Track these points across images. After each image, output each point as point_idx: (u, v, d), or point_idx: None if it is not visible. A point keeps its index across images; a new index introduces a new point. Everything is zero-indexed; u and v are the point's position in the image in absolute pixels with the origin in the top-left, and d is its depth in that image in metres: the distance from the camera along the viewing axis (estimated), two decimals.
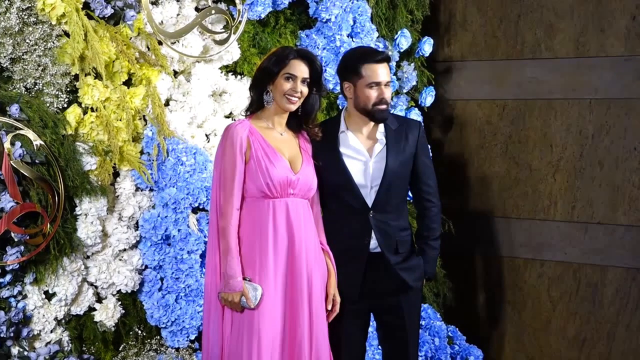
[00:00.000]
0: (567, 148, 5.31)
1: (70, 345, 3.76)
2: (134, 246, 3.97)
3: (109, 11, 3.79)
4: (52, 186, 3.55)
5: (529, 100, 5.44)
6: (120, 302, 3.92)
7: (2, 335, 3.46)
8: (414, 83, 5.28)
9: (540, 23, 5.38)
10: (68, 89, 3.71)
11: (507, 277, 5.57)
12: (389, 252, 3.52)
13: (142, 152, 3.93)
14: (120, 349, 3.94)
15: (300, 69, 3.35)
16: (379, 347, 3.84)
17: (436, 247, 3.67)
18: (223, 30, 4.22)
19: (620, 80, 5.13)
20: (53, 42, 3.62)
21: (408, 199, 3.72)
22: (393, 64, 5.10)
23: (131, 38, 3.92)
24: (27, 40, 3.56)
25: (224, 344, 3.34)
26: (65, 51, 3.64)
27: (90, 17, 3.74)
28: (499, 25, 5.54)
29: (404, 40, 5.08)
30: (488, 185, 5.61)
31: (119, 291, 3.92)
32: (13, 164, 3.43)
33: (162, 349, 4.00)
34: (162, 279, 4.00)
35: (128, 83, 3.93)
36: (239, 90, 4.28)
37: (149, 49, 3.98)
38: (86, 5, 3.74)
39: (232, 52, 4.27)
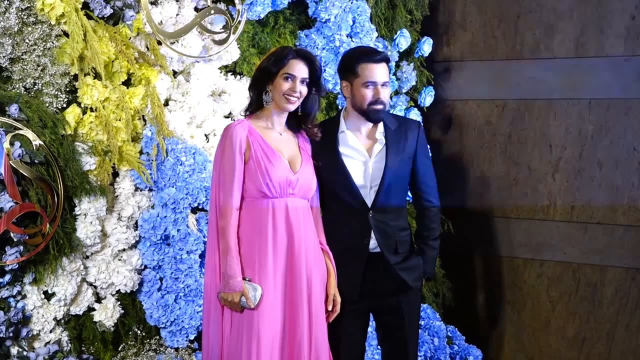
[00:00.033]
0: (567, 148, 5.31)
1: (69, 345, 3.76)
2: (133, 246, 3.97)
3: (108, 11, 3.79)
4: (52, 186, 3.55)
5: (528, 101, 5.44)
6: (119, 302, 3.92)
7: (1, 335, 3.46)
8: (413, 83, 5.28)
9: (539, 23, 5.37)
10: (67, 89, 3.71)
11: (507, 277, 5.57)
12: (389, 252, 3.53)
13: (141, 152, 3.93)
14: (119, 349, 3.94)
15: (300, 69, 3.35)
16: (379, 347, 3.84)
17: (435, 247, 3.68)
18: (222, 30, 4.22)
19: (620, 81, 5.12)
20: (52, 42, 3.62)
21: (407, 199, 3.72)
22: (392, 64, 5.10)
23: (130, 38, 3.92)
24: (27, 40, 3.56)
25: (224, 344, 3.34)
26: (65, 51, 3.64)
27: (89, 17, 3.74)
28: (498, 25, 5.54)
29: (403, 40, 5.08)
30: (487, 185, 5.61)
31: (118, 291, 3.92)
32: (12, 164, 3.43)
33: (162, 349, 4.00)
34: (161, 279, 4.00)
35: (127, 83, 3.93)
36: (239, 90, 4.28)
37: (148, 49, 3.98)
38: (85, 5, 3.74)
39: (232, 52, 4.27)
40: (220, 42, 4.22)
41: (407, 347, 3.63)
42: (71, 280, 3.70)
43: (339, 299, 3.48)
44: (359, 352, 3.67)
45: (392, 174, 3.51)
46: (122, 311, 3.93)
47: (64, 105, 3.70)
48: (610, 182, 5.18)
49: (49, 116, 3.60)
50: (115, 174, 3.91)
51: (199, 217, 4.08)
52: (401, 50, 5.12)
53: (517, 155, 5.49)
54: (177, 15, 4.07)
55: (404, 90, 5.27)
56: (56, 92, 3.65)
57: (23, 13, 3.55)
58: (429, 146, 3.80)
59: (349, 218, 3.53)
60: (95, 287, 3.87)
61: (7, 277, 3.51)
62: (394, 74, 5.20)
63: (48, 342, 3.68)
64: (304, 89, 3.38)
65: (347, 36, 4.69)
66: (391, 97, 5.18)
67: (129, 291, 3.93)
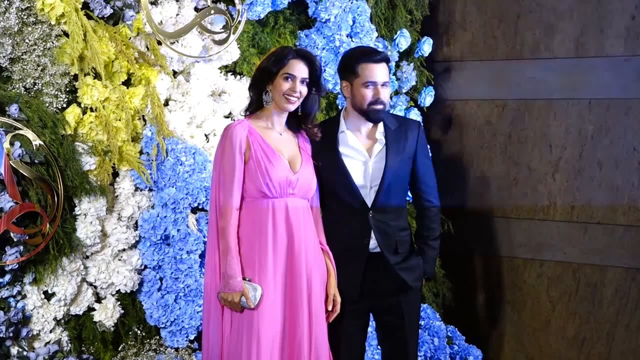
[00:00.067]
0: (567, 148, 5.31)
1: (69, 345, 3.76)
2: (133, 246, 3.97)
3: (108, 11, 3.79)
4: (52, 186, 3.55)
5: (528, 101, 5.44)
6: (119, 302, 3.92)
7: (1, 335, 3.46)
8: (413, 83, 5.28)
9: (539, 23, 5.37)
10: (67, 89, 3.71)
11: (507, 277, 5.57)
12: (389, 252, 3.53)
13: (141, 152, 3.93)
14: (119, 349, 3.94)
15: (300, 69, 3.35)
16: (379, 347, 3.84)
17: (435, 247, 3.68)
18: (222, 30, 4.22)
19: (620, 81, 5.12)
20: (52, 42, 3.62)
21: (407, 199, 3.72)
22: (392, 64, 5.10)
23: (130, 38, 3.92)
24: (27, 40, 3.56)
25: (224, 343, 3.34)
26: (65, 51, 3.64)
27: (89, 17, 3.74)
28: (498, 25, 5.54)
29: (403, 40, 5.08)
30: (487, 185, 5.61)
31: (118, 291, 3.92)
32: (12, 164, 3.43)
33: (162, 349, 4.00)
34: (161, 279, 4.00)
35: (127, 83, 3.93)
36: (238, 90, 4.28)
37: (148, 49, 3.98)
38: (85, 5, 3.74)
39: (232, 52, 4.27)
40: (220, 42, 4.22)
41: (407, 347, 3.63)
42: (71, 280, 3.70)
43: (339, 299, 3.48)
44: (359, 352, 3.67)
45: (392, 174, 3.51)
46: (122, 311, 3.93)
47: (64, 105, 3.70)
48: (610, 182, 5.18)
49: (49, 116, 3.60)
50: (115, 174, 3.91)
51: (199, 217, 4.08)
52: (401, 50, 5.12)
53: (517, 155, 5.49)
54: (177, 15, 4.07)
55: (404, 90, 5.27)
56: (56, 92, 3.65)
57: (23, 13, 3.55)
58: (429, 146, 3.80)
59: (349, 218, 3.53)
60: (95, 287, 3.87)
61: (7, 277, 3.51)
62: (394, 74, 5.20)
63: (48, 342, 3.68)
64: (304, 89, 3.38)
65: (347, 36, 4.69)
66: (391, 97, 5.18)
67: (129, 291, 3.93)
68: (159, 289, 3.99)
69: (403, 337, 3.62)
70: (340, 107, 4.72)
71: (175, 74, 4.12)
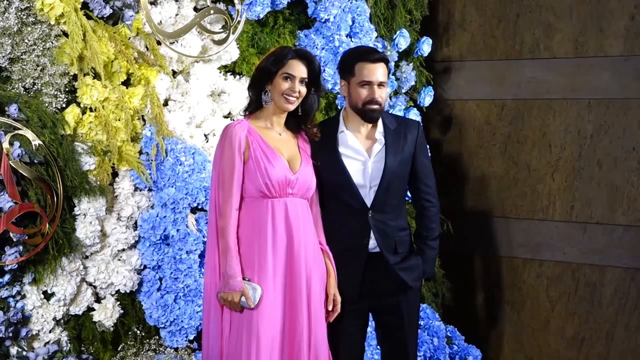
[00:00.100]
0: (566, 148, 5.31)
1: (69, 345, 3.76)
2: (133, 246, 3.97)
3: (107, 11, 3.79)
4: (51, 186, 3.55)
5: (527, 100, 5.44)
6: (119, 302, 3.92)
7: (0, 335, 3.46)
8: (413, 83, 5.28)
9: (539, 23, 5.38)
10: (67, 89, 3.71)
11: (506, 277, 5.57)
12: (388, 252, 3.53)
13: (140, 152, 3.93)
14: (119, 349, 3.94)
15: (299, 69, 3.35)
16: (378, 347, 3.84)
17: (435, 247, 3.68)
18: (222, 30, 4.22)
19: (619, 80, 5.13)
20: (52, 42, 3.62)
21: (407, 199, 3.72)
22: (392, 64, 5.10)
23: (130, 38, 3.92)
24: (26, 40, 3.56)
25: (223, 343, 3.34)
26: (64, 51, 3.64)
27: (89, 17, 3.74)
28: (497, 25, 5.54)
29: (403, 40, 5.08)
30: (487, 185, 5.61)
31: (117, 291, 3.92)
32: (12, 164, 3.43)
33: (161, 349, 4.00)
34: (160, 279, 4.00)
35: (127, 83, 3.93)
36: (238, 90, 4.28)
37: (147, 49, 3.98)
38: (85, 5, 3.74)
39: (231, 52, 4.27)
40: (220, 42, 4.22)
41: (406, 347, 3.63)
42: (71, 280, 3.70)
43: (339, 299, 3.48)
44: (358, 352, 3.67)
45: (391, 174, 3.51)
46: (122, 311, 3.94)
47: (64, 105, 3.70)
48: (609, 181, 5.18)
49: (49, 116, 3.60)
50: (115, 174, 3.91)
51: (198, 217, 4.08)
52: (400, 50, 5.12)
53: (517, 155, 5.50)
54: (177, 15, 4.07)
55: (403, 90, 5.27)
56: (55, 92, 3.65)
57: (22, 13, 3.55)
58: (428, 146, 3.80)
59: (348, 218, 3.53)
60: (95, 287, 3.87)
61: (7, 277, 3.51)
62: (394, 74, 5.20)
63: (47, 342, 3.68)
64: (303, 89, 3.38)
65: (346, 36, 4.69)
66: (390, 97, 5.19)
67: (128, 291, 3.93)
68: (159, 289, 3.99)
69: (402, 337, 3.62)
70: (339, 107, 4.72)
71: (174, 74, 4.12)
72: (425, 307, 5.08)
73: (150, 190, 3.98)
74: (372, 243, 3.51)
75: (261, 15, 4.33)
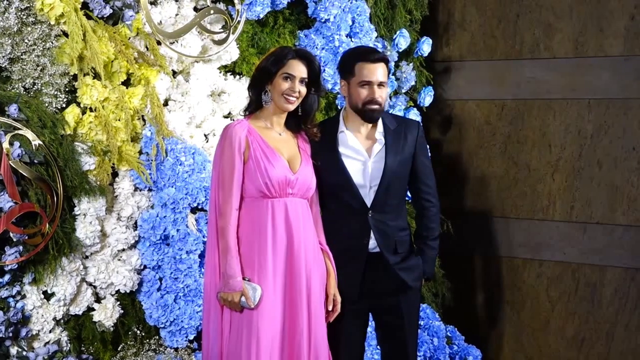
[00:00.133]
0: (566, 148, 5.31)
1: (69, 345, 3.76)
2: (133, 246, 3.97)
3: (107, 11, 3.79)
4: (51, 186, 3.55)
5: (527, 100, 5.44)
6: (119, 302, 3.92)
7: (0, 335, 3.46)
8: (413, 83, 5.28)
9: (539, 23, 5.38)
10: (67, 89, 3.71)
11: (506, 277, 5.57)
12: (388, 252, 3.53)
13: (140, 152, 3.93)
14: (119, 349, 3.94)
15: (299, 69, 3.35)
16: (378, 346, 3.84)
17: (435, 247, 3.68)
18: (222, 30, 4.22)
19: (619, 80, 5.13)
20: (52, 42, 3.62)
21: (407, 199, 3.72)
22: (392, 64, 5.10)
23: (130, 38, 3.92)
24: (26, 40, 3.56)
25: (223, 343, 3.34)
26: (64, 51, 3.64)
27: (89, 17, 3.73)
28: (497, 25, 5.54)
29: (403, 40, 5.08)
30: (487, 185, 5.61)
31: (117, 291, 3.92)
32: (12, 164, 3.43)
33: (161, 349, 4.00)
34: (160, 279, 4.00)
35: (127, 83, 3.93)
36: (238, 90, 4.28)
37: (147, 49, 3.98)
38: (85, 5, 3.74)
39: (231, 52, 4.27)
40: (220, 42, 4.22)
41: (406, 347, 3.63)
42: (71, 280, 3.69)
43: (339, 299, 3.48)
44: (358, 351, 3.67)
45: (391, 174, 3.51)
46: (122, 311, 3.93)
47: (64, 105, 3.70)
48: (609, 181, 5.18)
49: (49, 116, 3.60)
50: (115, 174, 3.91)
51: (198, 217, 4.08)
52: (400, 50, 5.12)
53: (517, 155, 5.50)
54: (177, 15, 4.07)
55: (403, 90, 5.27)
56: (55, 92, 3.65)
57: (22, 13, 3.55)
58: (428, 146, 3.80)
59: (348, 218, 3.53)
60: (95, 287, 3.87)
61: (7, 277, 3.51)
62: (394, 74, 5.20)
63: (47, 342, 3.68)
64: (303, 89, 3.38)
65: (346, 36, 4.69)
66: (391, 97, 5.19)
67: (128, 291, 3.93)
68: (159, 289, 3.99)
69: (402, 337, 3.62)
70: (339, 107, 4.73)
71: (174, 74, 4.12)
72: (425, 307, 5.08)
73: (150, 190, 3.98)
74: (372, 243, 3.51)
75: (261, 15, 4.33)
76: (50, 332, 3.69)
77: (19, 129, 3.47)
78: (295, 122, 3.49)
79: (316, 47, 4.61)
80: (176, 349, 4.05)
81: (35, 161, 3.52)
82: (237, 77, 4.35)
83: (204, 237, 4.01)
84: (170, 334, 4.01)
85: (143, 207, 3.96)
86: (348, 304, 3.51)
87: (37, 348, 3.64)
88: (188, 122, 4.11)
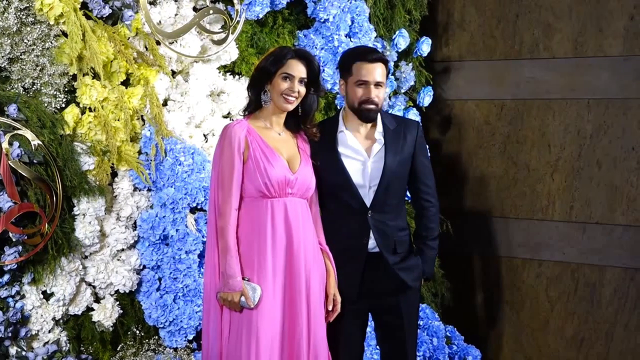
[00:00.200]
0: (566, 148, 5.32)
1: (68, 345, 3.76)
2: (132, 246, 3.97)
3: (107, 11, 3.79)
4: (50, 186, 3.55)
5: (527, 100, 5.44)
6: (118, 302, 3.91)
7: (0, 335, 3.46)
8: (412, 83, 5.28)
9: (538, 23, 5.38)
10: (66, 89, 3.71)
11: (505, 277, 5.57)
12: (388, 252, 3.53)
13: (140, 152, 3.93)
14: (118, 349, 3.94)
15: (298, 69, 3.35)
16: (378, 346, 3.84)
17: (434, 247, 3.68)
18: (221, 30, 4.22)
19: (619, 80, 5.13)
20: (51, 42, 3.62)
21: (406, 199, 3.73)
22: (391, 64, 5.10)
23: (129, 38, 3.92)
24: (25, 40, 3.56)
25: (223, 343, 3.34)
26: (63, 51, 3.64)
27: (88, 17, 3.73)
28: (497, 25, 5.54)
29: (402, 40, 5.08)
30: (486, 185, 5.61)
31: (117, 291, 3.92)
32: (11, 164, 3.43)
33: (160, 349, 4.00)
34: (160, 279, 4.00)
35: (126, 83, 3.93)
36: (237, 90, 4.28)
37: (147, 49, 3.98)
38: (84, 5, 3.74)
39: (230, 52, 4.27)
40: (219, 42, 4.22)
41: (406, 347, 3.63)
42: (70, 280, 3.69)
43: (339, 299, 3.48)
44: (357, 351, 3.67)
45: (391, 174, 3.51)
46: (121, 311, 3.93)
47: (63, 105, 3.69)
48: (609, 181, 5.18)
49: (48, 116, 3.60)
50: (114, 174, 3.91)
51: (197, 217, 4.08)
52: (400, 50, 5.13)
53: (516, 155, 5.50)
54: (176, 15, 4.07)
55: (402, 90, 5.27)
56: (55, 92, 3.65)
57: (22, 13, 3.55)
58: (427, 146, 3.80)
59: (347, 218, 3.53)
60: (94, 287, 3.86)
61: (6, 277, 3.50)
62: (393, 74, 5.20)
63: (47, 342, 3.68)
64: (302, 89, 3.38)
65: (345, 36, 4.69)
66: (390, 97, 5.19)
67: (127, 291, 3.93)
68: (158, 289, 3.99)
69: (402, 337, 3.62)
70: (338, 107, 4.73)
71: (174, 74, 4.12)
72: (425, 307, 5.08)
73: (149, 190, 3.98)
74: (372, 243, 3.51)
75: (260, 15, 4.33)
76: (49, 332, 3.69)
77: (19, 129, 3.47)
78: (295, 122, 3.49)
79: (315, 47, 4.61)
80: (175, 349, 4.05)
81: (35, 161, 3.52)
82: (237, 77, 4.35)
83: (203, 237, 4.01)
84: (170, 334, 4.01)
85: (142, 207, 3.96)
86: (347, 303, 3.51)
87: (36, 348, 3.64)
88: (187, 122, 4.11)
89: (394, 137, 3.55)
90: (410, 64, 5.27)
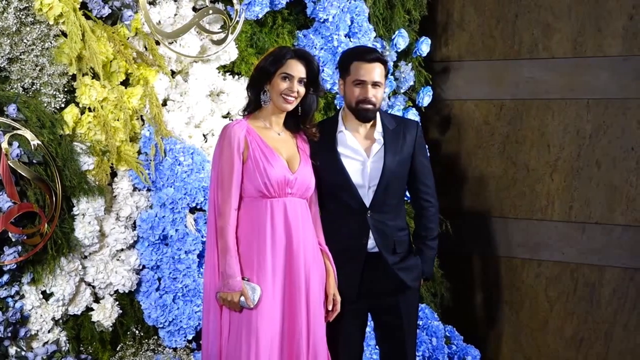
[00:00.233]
0: (565, 148, 5.32)
1: (67, 345, 3.76)
2: (132, 246, 3.97)
3: (106, 11, 3.79)
4: (50, 186, 3.55)
5: (526, 100, 5.44)
6: (117, 302, 3.91)
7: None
8: (412, 83, 5.28)
9: (537, 23, 5.38)
10: (65, 89, 3.71)
11: (505, 277, 5.57)
12: (387, 252, 3.53)
13: (139, 152, 3.93)
14: (117, 349, 3.94)
15: (297, 69, 3.35)
16: (377, 346, 3.84)
17: (434, 247, 3.68)
18: (220, 30, 4.22)
19: (618, 80, 5.13)
20: (50, 42, 3.62)
21: (406, 199, 3.73)
22: (391, 64, 5.10)
23: (129, 38, 3.92)
24: (25, 40, 3.56)
25: (223, 343, 3.34)
26: (63, 51, 3.64)
27: (87, 17, 3.73)
28: (496, 25, 5.54)
29: (402, 40, 5.08)
30: (485, 185, 5.61)
31: (116, 291, 3.92)
32: (10, 164, 3.43)
33: (160, 349, 4.00)
34: (159, 279, 4.00)
35: (125, 83, 3.93)
36: (237, 90, 4.28)
37: (146, 49, 3.98)
38: (84, 5, 3.74)
39: (230, 52, 4.27)
40: (219, 42, 4.22)
41: (405, 347, 3.63)
42: (69, 280, 3.69)
43: (338, 299, 3.48)
44: (357, 351, 3.67)
45: (390, 174, 3.51)
46: (121, 311, 3.93)
47: (62, 105, 3.70)
48: (608, 181, 5.18)
49: (47, 116, 3.60)
50: (114, 174, 3.91)
51: (197, 217, 4.08)
52: (399, 50, 5.13)
53: (515, 155, 5.50)
54: (176, 15, 4.07)
55: (402, 90, 5.27)
56: (54, 92, 3.65)
57: (21, 13, 3.55)
58: (427, 146, 3.80)
59: (347, 218, 3.53)
60: (94, 287, 3.86)
61: (5, 277, 3.50)
62: (392, 74, 5.20)
63: (46, 342, 3.68)
64: (301, 89, 3.38)
65: (345, 36, 4.69)
66: (389, 97, 5.19)
67: (127, 291, 3.93)
68: (157, 289, 3.99)
69: (401, 337, 3.62)
70: (338, 107, 4.73)
71: (173, 74, 4.12)
72: (424, 307, 5.08)
73: (149, 190, 3.98)
74: (371, 243, 3.51)
75: (260, 15, 4.33)
76: (49, 332, 3.69)
77: (18, 129, 3.47)
78: (294, 122, 3.49)
79: (315, 47, 4.61)
80: (175, 349, 4.05)
81: (34, 161, 3.52)
82: (236, 77, 4.35)
83: (202, 237, 4.01)
84: (169, 334, 4.01)
85: (142, 207, 3.96)
86: (347, 303, 3.51)
87: (35, 348, 3.64)
88: (187, 122, 4.11)
89: (393, 137, 3.55)
90: (410, 64, 5.27)
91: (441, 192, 3.83)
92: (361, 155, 3.52)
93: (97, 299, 3.89)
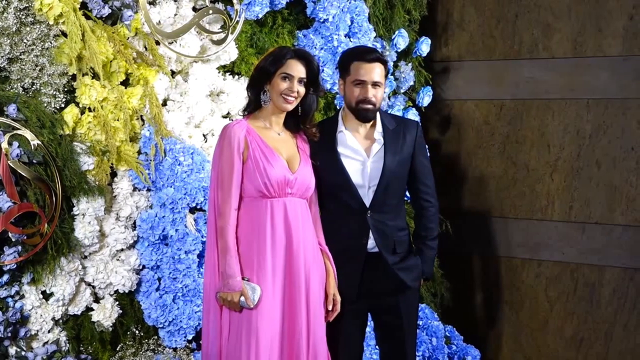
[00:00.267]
0: (565, 148, 5.32)
1: (67, 345, 3.76)
2: (132, 246, 3.97)
3: (106, 11, 3.79)
4: (50, 186, 3.55)
5: (526, 100, 5.44)
6: (117, 302, 3.91)
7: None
8: (412, 83, 5.28)
9: (537, 23, 5.38)
10: (65, 89, 3.71)
11: (505, 277, 5.57)
12: (387, 252, 3.53)
13: (139, 152, 3.93)
14: (117, 349, 3.94)
15: (297, 69, 3.35)
16: (377, 346, 3.84)
17: (434, 247, 3.68)
18: (220, 30, 4.22)
19: (618, 80, 5.13)
20: (50, 42, 3.62)
21: (405, 199, 3.73)
22: (390, 64, 5.10)
23: (129, 38, 3.92)
24: (25, 40, 3.56)
25: (223, 343, 3.34)
26: (63, 51, 3.64)
27: (87, 17, 3.73)
28: (496, 25, 5.54)
29: (402, 40, 5.08)
30: (485, 185, 5.61)
31: (116, 291, 3.92)
32: (10, 164, 3.43)
33: (160, 349, 4.00)
34: (159, 279, 4.00)
35: (125, 83, 3.93)
36: (237, 90, 4.28)
37: (146, 49, 3.98)
38: (84, 5, 3.74)
39: (230, 52, 4.27)
40: (219, 42, 4.22)
41: (405, 347, 3.63)
42: (69, 280, 3.69)
43: (338, 299, 3.48)
44: (357, 351, 3.67)
45: (390, 174, 3.51)
46: (121, 311, 3.93)
47: (62, 105, 3.70)
48: (608, 181, 5.18)
49: (47, 116, 3.60)
50: (114, 174, 3.91)
51: (197, 217, 4.08)
52: (399, 50, 5.13)
53: (515, 155, 5.50)
54: (175, 15, 4.07)
55: (402, 90, 5.27)
56: (54, 92, 3.65)
57: (21, 13, 3.55)
58: (427, 146, 3.80)
59: (347, 218, 3.53)
60: (94, 287, 3.86)
61: (6, 277, 3.50)
62: (392, 74, 5.20)
63: (46, 342, 3.68)
64: (301, 89, 3.38)
65: (345, 36, 4.69)
66: (389, 97, 5.19)
67: (127, 291, 3.93)
68: (157, 289, 3.99)
69: (401, 337, 3.62)
70: (338, 107, 4.73)
71: (173, 74, 4.12)
72: (424, 307, 5.08)
73: (149, 190, 3.98)
74: (371, 243, 3.51)
75: (260, 15, 4.33)
76: (49, 332, 3.69)
77: (18, 129, 3.47)
78: (294, 122, 3.49)
79: (315, 47, 4.61)
80: (175, 349, 4.05)
81: (34, 161, 3.52)
82: (236, 77, 4.35)
83: (202, 237, 4.01)
84: (169, 334, 4.01)
85: (142, 207, 3.96)
86: (347, 303, 3.51)
87: (35, 348, 3.64)
88: (187, 122, 4.11)
89: (393, 137, 3.55)
90: (410, 64, 5.27)
91: (441, 192, 3.83)
92: (361, 155, 3.52)
93: (97, 299, 3.89)
